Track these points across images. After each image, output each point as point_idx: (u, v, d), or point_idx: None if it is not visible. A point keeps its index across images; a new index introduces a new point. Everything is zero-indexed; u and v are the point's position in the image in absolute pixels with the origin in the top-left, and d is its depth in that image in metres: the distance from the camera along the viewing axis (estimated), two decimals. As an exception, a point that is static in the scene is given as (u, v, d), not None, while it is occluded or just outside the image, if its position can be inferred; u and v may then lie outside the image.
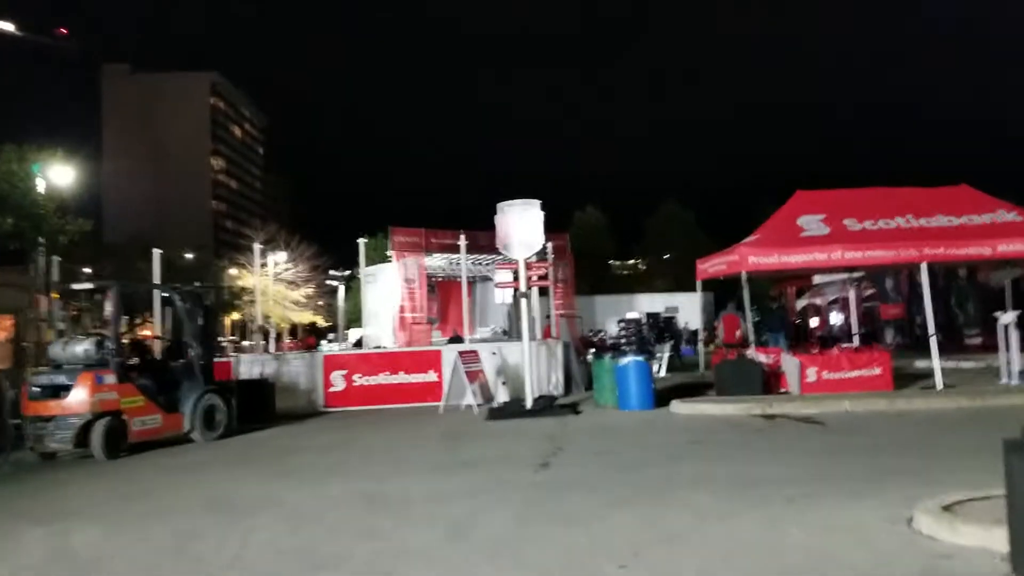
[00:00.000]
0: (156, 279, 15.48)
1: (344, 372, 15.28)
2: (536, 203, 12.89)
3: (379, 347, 26.72)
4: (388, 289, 28.23)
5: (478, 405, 13.21)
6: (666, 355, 24.44)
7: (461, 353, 13.64)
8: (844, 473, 6.83)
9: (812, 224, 13.84)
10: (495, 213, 13.12)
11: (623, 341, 31.10)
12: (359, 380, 15.27)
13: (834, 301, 36.23)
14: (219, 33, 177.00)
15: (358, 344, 31.76)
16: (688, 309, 40.54)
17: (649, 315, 37.67)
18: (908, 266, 24.47)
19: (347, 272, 42.53)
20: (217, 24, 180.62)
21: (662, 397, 12.77)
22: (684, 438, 9.29)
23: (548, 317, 19.14)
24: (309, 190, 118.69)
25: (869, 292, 32.84)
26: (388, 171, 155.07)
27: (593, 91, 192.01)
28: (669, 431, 10.13)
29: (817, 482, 6.46)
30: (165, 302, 12.17)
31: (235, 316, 57.63)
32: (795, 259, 13.34)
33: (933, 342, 13.05)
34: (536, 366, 15.38)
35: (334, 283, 42.46)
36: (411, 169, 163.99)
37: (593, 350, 26.46)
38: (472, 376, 13.50)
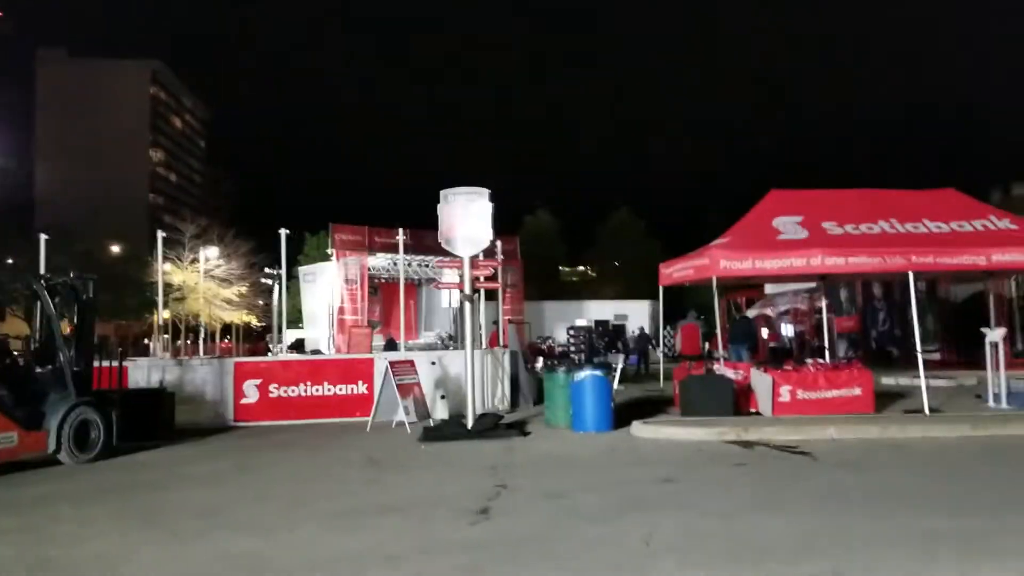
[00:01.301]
0: (42, 268, 13.36)
1: (258, 382, 13.32)
2: (484, 192, 11.18)
3: (316, 351, 24.86)
4: (328, 290, 26.43)
5: (410, 423, 11.45)
6: (619, 366, 23.03)
7: (393, 363, 11.84)
8: (870, 533, 5.30)
9: (789, 226, 12.47)
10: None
11: (572, 349, 29.63)
12: (276, 391, 13.34)
13: (785, 312, 35.40)
14: (163, 21, 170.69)
15: (296, 347, 29.76)
16: (637, 317, 39.54)
17: (598, 323, 36.44)
18: (862, 277, 23.66)
19: (280, 270, 40.24)
20: (162, 12, 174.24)
21: (620, 415, 11.21)
22: (654, 473, 7.69)
23: (495, 323, 17.45)
24: (252, 186, 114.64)
25: (821, 303, 32.06)
26: (335, 169, 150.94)
27: (549, 92, 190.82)
28: (634, 463, 8.52)
29: (841, 549, 4.92)
30: (33, 296, 10.11)
31: (165, 314, 54.49)
32: (771, 264, 11.91)
33: (920, 359, 11.74)
34: (480, 378, 13.69)
35: (269, 281, 40.15)
36: (358, 168, 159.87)
37: (542, 358, 24.98)
38: (405, 390, 11.73)
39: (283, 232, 14.24)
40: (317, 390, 13.42)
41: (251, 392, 13.33)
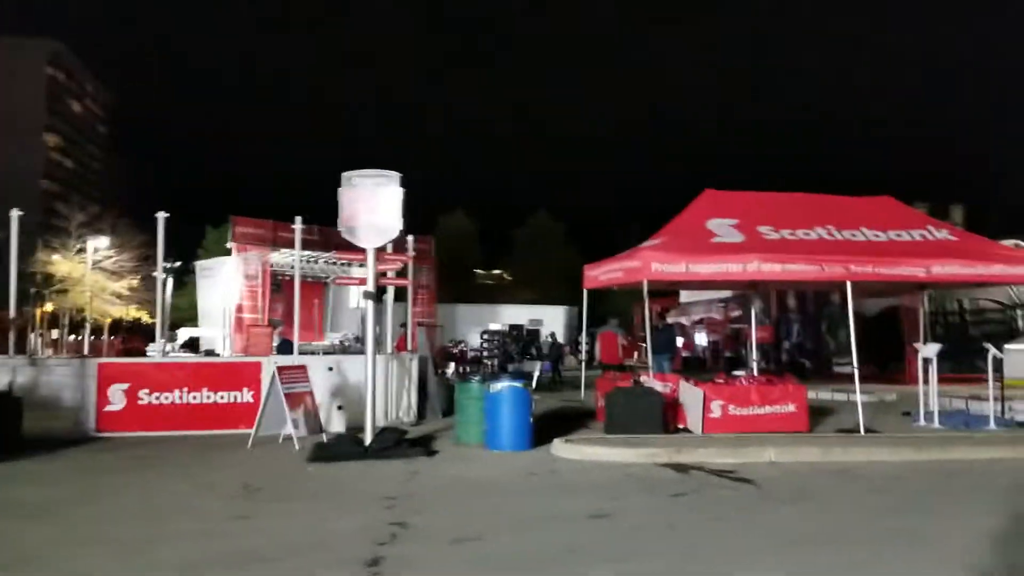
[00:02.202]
0: None
1: (126, 386, 11.55)
2: (395, 176, 9.78)
3: (210, 352, 22.89)
4: (226, 286, 24.51)
5: (300, 438, 9.97)
6: (536, 374, 22.02)
7: (281, 369, 10.31)
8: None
9: (723, 229, 11.64)
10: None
11: (486, 354, 28.52)
12: (146, 397, 11.59)
13: (699, 321, 35.23)
14: (71, 5, 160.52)
15: (189, 346, 27.62)
16: (553, 323, 38.84)
17: (512, 327, 35.55)
18: (788, 286, 23.39)
19: (178, 263, 37.52)
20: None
21: (539, 430, 10.04)
22: (582, 506, 6.54)
23: (403, 325, 16.06)
24: (157, 177, 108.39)
25: (736, 314, 31.93)
26: (246, 165, 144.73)
27: (469, 91, 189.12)
28: (558, 492, 7.34)
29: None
30: None
31: (48, 307, 50.40)
32: (706, 269, 11.03)
33: (856, 375, 11.06)
34: (384, 387, 12.33)
35: (162, 275, 37.32)
36: (269, 163, 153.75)
37: (454, 363, 23.77)
38: (294, 400, 10.22)
39: (161, 215, 12.46)
40: (195, 397, 11.74)
41: (117, 398, 11.55)
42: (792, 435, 10.13)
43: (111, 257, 42.50)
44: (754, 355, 15.35)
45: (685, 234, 11.62)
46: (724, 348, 31.74)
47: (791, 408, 10.82)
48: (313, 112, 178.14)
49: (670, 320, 32.63)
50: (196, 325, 31.27)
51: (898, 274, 11.01)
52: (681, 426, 11.10)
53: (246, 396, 11.79)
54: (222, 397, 11.79)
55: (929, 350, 11.67)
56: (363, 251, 9.86)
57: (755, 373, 13.64)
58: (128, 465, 9.07)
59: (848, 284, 10.92)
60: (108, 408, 11.49)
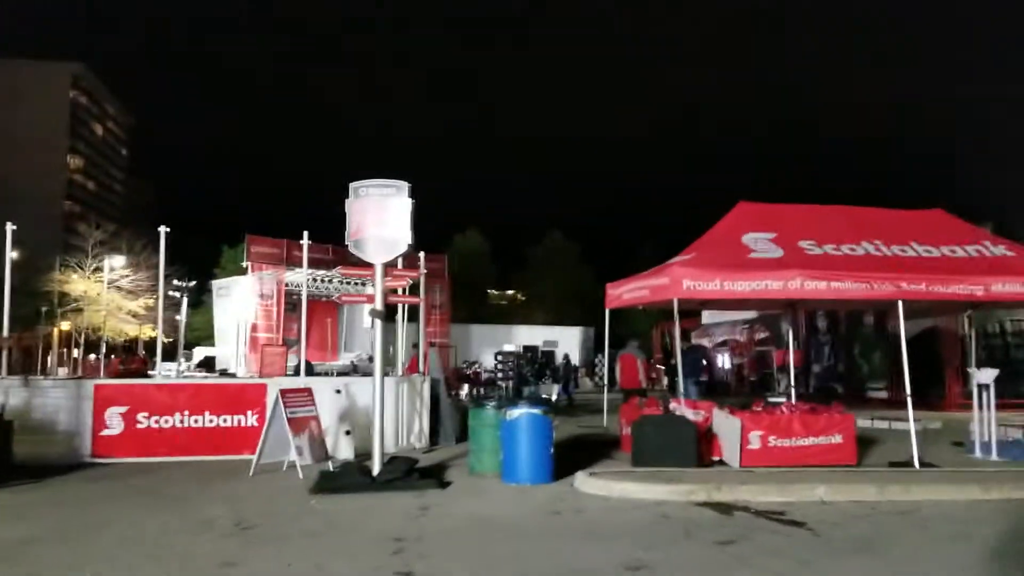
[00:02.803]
0: None
1: (124, 409, 10.89)
2: (404, 186, 9.08)
3: (224, 371, 22.33)
4: (241, 305, 24.07)
5: (304, 466, 9.22)
6: (553, 397, 21.19)
7: (285, 392, 9.59)
8: None
9: (761, 244, 10.81)
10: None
11: (500, 376, 27.76)
12: (145, 421, 10.92)
13: (722, 343, 34.11)
14: (91, 25, 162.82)
15: (205, 366, 27.18)
16: (568, 344, 37.99)
17: (527, 348, 34.84)
18: (817, 306, 22.35)
19: (193, 282, 37.05)
20: (89, 16, 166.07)
21: (559, 460, 9.19)
22: (614, 555, 5.71)
23: (415, 346, 15.31)
24: (176, 196, 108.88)
25: (762, 336, 30.85)
26: (259, 186, 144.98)
27: (469, 91, 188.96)
28: (585, 536, 6.50)
29: None
30: None
31: (64, 326, 50.16)
32: (743, 286, 10.18)
33: (909, 402, 10.13)
34: (395, 411, 11.57)
35: (177, 294, 36.89)
36: (283, 184, 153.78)
37: (467, 385, 23.08)
38: (299, 425, 9.48)
39: (163, 230, 11.83)
40: (197, 421, 11.06)
41: (114, 422, 10.90)
42: (841, 470, 9.24)
43: (127, 276, 42.25)
44: (791, 380, 14.37)
45: (718, 249, 10.79)
46: (749, 372, 30.67)
47: (838, 439, 9.92)
48: (313, 113, 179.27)
49: (694, 342, 31.61)
50: (213, 344, 30.88)
51: (954, 292, 10.10)
52: (716, 458, 10.23)
53: (250, 420, 11.09)
54: (225, 421, 11.11)
55: (985, 375, 10.74)
56: (371, 267, 9.16)
57: (792, 399, 12.72)
58: (118, 496, 8.37)
59: (900, 303, 10.03)
60: (104, 432, 10.85)
